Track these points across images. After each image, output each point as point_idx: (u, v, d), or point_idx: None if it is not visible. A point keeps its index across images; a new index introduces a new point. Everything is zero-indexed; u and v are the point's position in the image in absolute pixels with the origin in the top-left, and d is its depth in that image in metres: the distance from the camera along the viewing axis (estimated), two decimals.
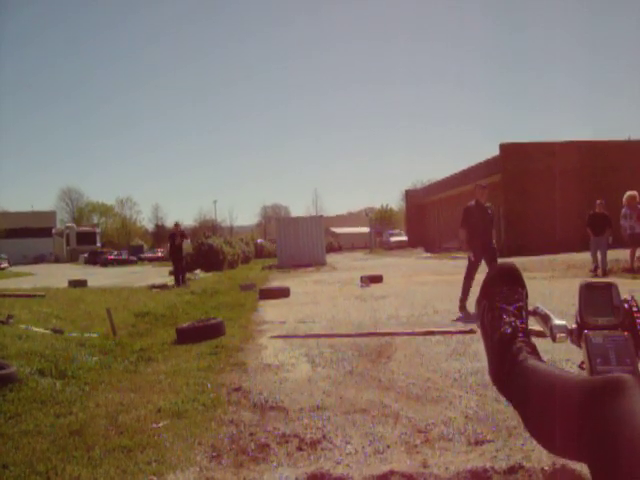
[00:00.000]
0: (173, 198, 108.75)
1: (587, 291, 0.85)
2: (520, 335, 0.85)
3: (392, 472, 2.36)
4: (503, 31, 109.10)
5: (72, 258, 49.82)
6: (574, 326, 0.86)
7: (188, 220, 69.62)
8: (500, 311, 0.88)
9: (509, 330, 0.86)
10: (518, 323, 0.87)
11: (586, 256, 11.26)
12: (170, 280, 15.06)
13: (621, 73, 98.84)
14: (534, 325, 0.90)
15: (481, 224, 7.05)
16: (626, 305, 0.83)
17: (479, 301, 0.94)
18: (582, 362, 0.83)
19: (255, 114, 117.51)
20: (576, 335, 0.85)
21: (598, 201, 11.30)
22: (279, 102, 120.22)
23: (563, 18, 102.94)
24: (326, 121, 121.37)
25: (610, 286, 0.85)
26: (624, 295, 0.85)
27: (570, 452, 0.65)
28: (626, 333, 0.80)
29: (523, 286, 0.93)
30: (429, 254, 29.36)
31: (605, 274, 10.53)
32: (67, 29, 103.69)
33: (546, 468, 2.33)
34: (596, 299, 0.84)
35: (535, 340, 0.87)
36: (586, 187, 20.46)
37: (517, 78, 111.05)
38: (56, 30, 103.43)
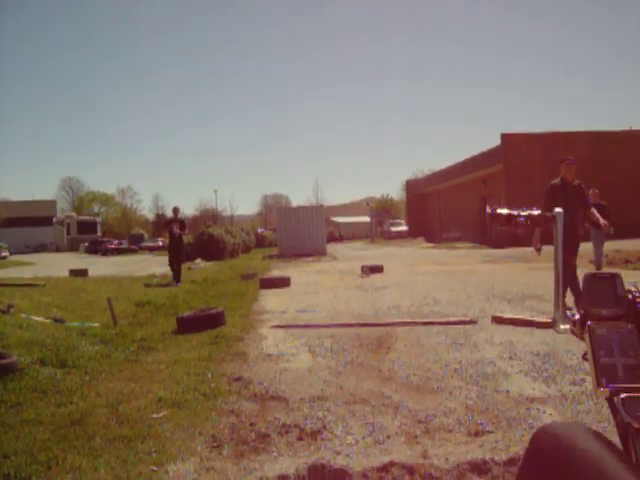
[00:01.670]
0: (174, 187, 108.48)
1: (591, 281, 0.84)
2: None
3: (392, 463, 2.36)
4: (503, 23, 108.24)
5: (73, 247, 49.85)
6: (577, 317, 0.84)
7: (189, 209, 69.62)
8: None
9: None
10: None
11: (585, 247, 11.22)
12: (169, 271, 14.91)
13: (621, 60, 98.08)
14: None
15: (568, 207, 5.63)
16: (630, 296, 0.82)
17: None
18: (585, 353, 0.81)
19: (256, 104, 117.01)
20: (579, 326, 0.83)
21: (590, 190, 10.07)
22: (280, 92, 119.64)
23: (562, 10, 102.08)
24: (327, 111, 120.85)
25: (614, 276, 0.84)
26: (628, 286, 0.83)
27: None
28: (630, 325, 0.79)
29: None
30: (430, 244, 29.34)
31: (599, 269, 10.49)
32: (67, 21, 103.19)
33: None
34: (600, 290, 0.83)
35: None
36: (589, 177, 20.32)
37: (517, 68, 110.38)
38: (56, 22, 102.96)
